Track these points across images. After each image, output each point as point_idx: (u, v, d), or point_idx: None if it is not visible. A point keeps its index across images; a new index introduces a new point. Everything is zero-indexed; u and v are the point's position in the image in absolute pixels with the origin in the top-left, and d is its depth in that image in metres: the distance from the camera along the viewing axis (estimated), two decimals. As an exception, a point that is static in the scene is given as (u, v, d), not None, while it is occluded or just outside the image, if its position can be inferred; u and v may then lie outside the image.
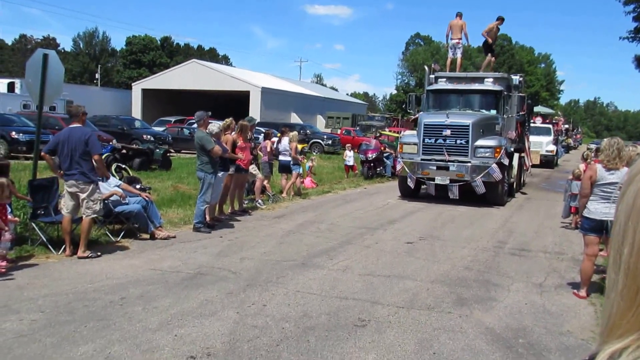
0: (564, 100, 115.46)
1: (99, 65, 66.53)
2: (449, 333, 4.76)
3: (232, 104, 38.91)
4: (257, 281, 6.08)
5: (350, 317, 5.06)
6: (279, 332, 4.60)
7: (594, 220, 5.90)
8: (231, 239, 8.35)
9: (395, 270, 6.79)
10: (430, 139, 12.90)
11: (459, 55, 16.29)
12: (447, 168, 12.69)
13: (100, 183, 7.34)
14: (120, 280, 5.94)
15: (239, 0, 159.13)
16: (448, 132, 12.68)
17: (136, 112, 40.37)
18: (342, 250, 7.78)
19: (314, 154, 24.90)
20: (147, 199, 8.23)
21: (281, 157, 13.03)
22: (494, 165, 12.31)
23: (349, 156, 18.28)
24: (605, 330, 0.69)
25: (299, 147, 14.17)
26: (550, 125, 29.71)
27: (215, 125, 9.29)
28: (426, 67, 15.62)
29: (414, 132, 13.92)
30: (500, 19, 16.64)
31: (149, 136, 22.72)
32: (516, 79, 15.13)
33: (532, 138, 21.56)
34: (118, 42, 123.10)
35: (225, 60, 78.92)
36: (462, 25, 16.13)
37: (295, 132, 13.58)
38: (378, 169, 18.59)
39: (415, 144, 13.13)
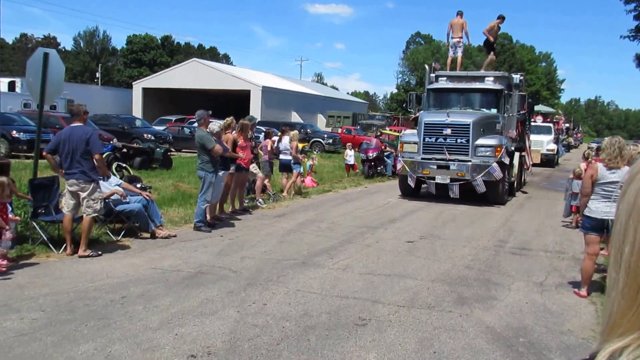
0: (564, 99, 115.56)
1: (100, 64, 66.55)
2: (450, 332, 4.76)
3: (232, 103, 38.94)
4: (257, 280, 6.08)
5: (350, 316, 5.06)
6: (279, 331, 4.60)
7: (595, 219, 5.90)
8: (232, 238, 8.35)
9: (395, 269, 6.79)
10: (430, 137, 12.89)
11: (459, 54, 16.28)
12: (447, 167, 12.68)
13: (101, 182, 7.34)
14: (121, 279, 5.94)
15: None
16: (448, 131, 12.68)
17: (137, 111, 40.37)
18: (342, 249, 7.78)
19: (315, 153, 24.92)
20: (147, 198, 8.23)
21: (282, 156, 13.03)
22: (495, 164, 12.30)
23: (350, 155, 18.27)
24: (606, 329, 0.69)
25: (300, 146, 14.16)
26: (551, 124, 29.69)
27: (215, 124, 9.30)
28: (427, 66, 15.61)
29: (415, 131, 13.91)
30: (501, 18, 16.63)
31: (149, 135, 22.72)
32: (517, 77, 15.12)
33: (533, 137, 21.55)
34: (119, 41, 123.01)
35: (225, 59, 78.95)
36: (463, 24, 16.13)
37: (295, 131, 13.57)
38: (379, 168, 18.59)
39: (415, 143, 13.12)
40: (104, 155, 8.01)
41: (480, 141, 12.57)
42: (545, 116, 33.77)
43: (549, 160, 27.16)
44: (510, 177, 13.98)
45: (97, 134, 8.03)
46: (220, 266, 6.62)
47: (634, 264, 0.66)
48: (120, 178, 9.34)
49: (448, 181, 12.67)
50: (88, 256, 6.75)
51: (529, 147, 17.78)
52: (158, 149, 17.20)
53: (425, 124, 13.01)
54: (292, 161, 12.87)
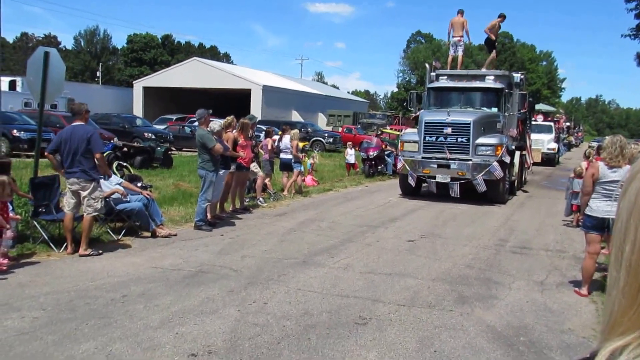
0: (565, 98, 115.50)
1: (100, 63, 66.54)
2: (450, 331, 4.76)
3: (233, 102, 38.89)
4: (258, 279, 6.08)
5: (351, 315, 5.06)
6: (279, 330, 4.60)
7: (595, 218, 5.90)
8: (232, 237, 8.35)
9: (396, 268, 6.79)
10: (431, 136, 12.88)
11: (460, 53, 16.26)
12: (448, 166, 12.67)
13: (101, 181, 7.34)
14: (122, 278, 5.95)
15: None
16: (449, 129, 12.67)
17: (137, 110, 40.40)
18: (343, 248, 7.78)
19: (315, 152, 24.90)
20: (148, 197, 8.23)
21: (282, 155, 13.03)
22: (495, 163, 12.29)
23: (350, 154, 18.27)
24: (607, 328, 0.69)
25: (300, 145, 14.16)
26: (551, 123, 29.66)
27: (216, 123, 9.30)
28: (427, 65, 15.60)
29: (415, 130, 13.90)
30: (502, 16, 16.60)
31: (150, 134, 22.73)
32: (517, 76, 15.11)
33: (534, 136, 21.55)
34: (119, 40, 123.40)
35: (226, 58, 78.90)
36: (464, 22, 16.10)
37: (296, 130, 13.57)
38: (379, 167, 18.58)
39: (416, 142, 13.12)
40: (104, 154, 8.00)
41: (480, 140, 12.56)
42: (546, 115, 33.71)
43: (549, 159, 27.14)
44: (511, 176, 13.96)
45: (98, 132, 8.03)
46: (221, 265, 6.63)
47: (635, 263, 0.66)
48: (121, 177, 9.34)
49: (448, 180, 12.66)
50: (89, 255, 6.76)
51: (530, 146, 17.77)
52: (159, 148, 17.21)
53: (425, 122, 13.00)
54: (292, 160, 12.87)
